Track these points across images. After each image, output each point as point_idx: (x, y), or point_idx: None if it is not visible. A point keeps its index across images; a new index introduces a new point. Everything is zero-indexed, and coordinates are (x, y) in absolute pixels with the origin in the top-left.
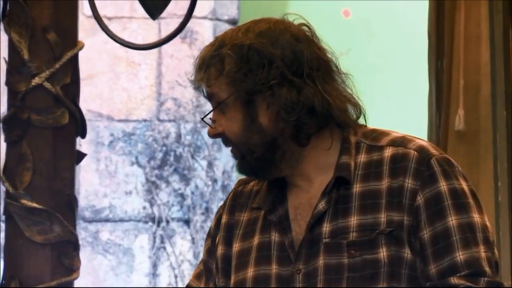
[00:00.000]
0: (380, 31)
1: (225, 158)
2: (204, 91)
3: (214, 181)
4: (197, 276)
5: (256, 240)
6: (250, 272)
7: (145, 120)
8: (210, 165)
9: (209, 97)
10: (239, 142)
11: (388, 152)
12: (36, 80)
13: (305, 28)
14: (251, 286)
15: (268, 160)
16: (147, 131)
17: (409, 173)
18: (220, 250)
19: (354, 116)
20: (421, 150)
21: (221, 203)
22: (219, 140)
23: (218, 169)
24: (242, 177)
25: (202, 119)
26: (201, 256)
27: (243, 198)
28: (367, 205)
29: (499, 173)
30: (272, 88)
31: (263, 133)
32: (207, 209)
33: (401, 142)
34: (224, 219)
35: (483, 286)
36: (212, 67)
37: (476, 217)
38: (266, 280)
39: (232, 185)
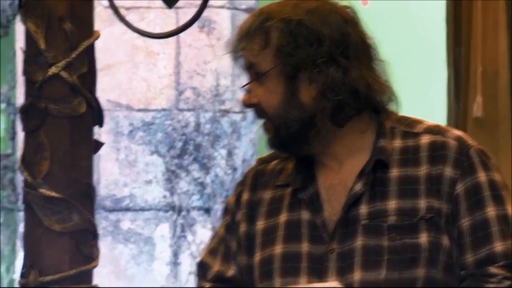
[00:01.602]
0: (398, 18)
1: (244, 146)
2: (244, 60)
3: (234, 169)
4: (212, 252)
5: (283, 217)
6: (278, 249)
7: (164, 110)
8: (229, 153)
9: (249, 66)
10: (276, 116)
11: (425, 139)
12: (52, 70)
13: (349, 10)
14: (280, 263)
15: (302, 137)
16: (166, 120)
17: (449, 161)
18: (242, 227)
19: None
20: (460, 140)
21: None
22: (238, 128)
23: (238, 157)
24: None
25: (243, 87)
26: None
27: (265, 177)
28: (406, 190)
29: None
30: (319, 65)
31: (302, 109)
32: (228, 198)
33: (438, 130)
34: (245, 196)
35: None
36: (257, 38)
37: (509, 209)
38: (296, 257)
39: None
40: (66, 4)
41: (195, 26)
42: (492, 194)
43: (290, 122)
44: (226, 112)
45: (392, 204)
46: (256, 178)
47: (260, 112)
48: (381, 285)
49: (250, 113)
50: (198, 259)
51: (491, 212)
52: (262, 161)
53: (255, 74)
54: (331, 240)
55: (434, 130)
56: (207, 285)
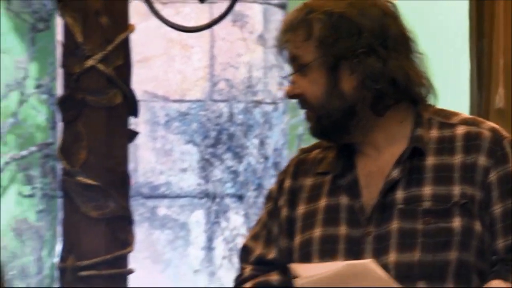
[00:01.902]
0: (425, 14)
1: (276, 136)
2: (288, 52)
3: (266, 158)
4: (254, 237)
5: (322, 202)
6: (317, 232)
7: (199, 101)
8: (261, 143)
9: (292, 58)
10: (319, 105)
11: (460, 130)
12: (89, 62)
13: (389, 4)
14: (318, 245)
15: (343, 125)
16: (201, 111)
17: (483, 151)
18: (284, 212)
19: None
20: (494, 131)
21: (273, 179)
22: (270, 118)
23: (269, 147)
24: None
25: (284, 77)
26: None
27: (307, 165)
28: (441, 177)
29: None
30: (359, 56)
31: (343, 99)
32: (259, 185)
33: (473, 122)
34: (287, 183)
35: None
36: (300, 30)
37: None
38: (334, 240)
39: (284, 162)
40: None
41: (228, 20)
42: None
43: (332, 112)
44: (258, 103)
45: (427, 190)
46: (297, 166)
47: (303, 102)
48: (415, 267)
49: (281, 104)
50: (231, 244)
51: None
52: (304, 151)
53: (298, 66)
54: (368, 223)
55: (469, 121)
56: (249, 268)
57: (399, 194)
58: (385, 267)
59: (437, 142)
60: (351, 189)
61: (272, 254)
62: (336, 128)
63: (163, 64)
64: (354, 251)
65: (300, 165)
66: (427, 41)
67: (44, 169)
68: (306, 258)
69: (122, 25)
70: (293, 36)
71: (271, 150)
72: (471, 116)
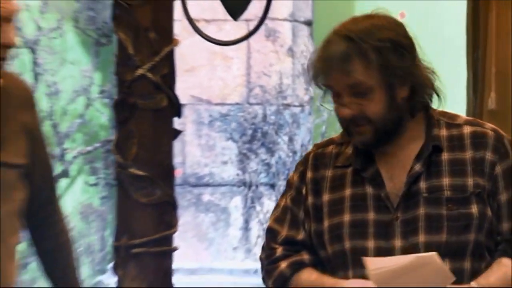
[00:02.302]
0: (429, 29)
1: (303, 134)
2: (344, 80)
3: (294, 153)
4: (278, 220)
5: (347, 192)
6: (347, 217)
7: (237, 104)
8: (290, 139)
9: (352, 85)
10: (378, 119)
11: (467, 129)
12: (140, 71)
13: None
14: (349, 228)
15: (393, 133)
16: (239, 112)
17: (489, 148)
18: (310, 199)
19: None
20: (495, 130)
21: None
22: (297, 119)
23: (297, 143)
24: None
25: (338, 101)
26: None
27: (325, 159)
28: (456, 170)
29: None
30: (408, 71)
31: (398, 110)
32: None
33: (477, 123)
34: (309, 174)
35: None
36: (357, 59)
37: None
38: (364, 224)
39: None
40: (150, 17)
41: (262, 35)
42: None
43: (388, 123)
44: (287, 105)
45: (446, 181)
46: (316, 159)
47: (362, 119)
48: (442, 247)
49: (307, 107)
50: (265, 225)
51: None
52: (319, 146)
53: (363, 90)
54: (396, 210)
55: (473, 122)
56: (279, 248)
57: (422, 185)
58: (415, 246)
59: (448, 140)
60: (374, 180)
61: (300, 236)
62: (387, 136)
63: (207, 73)
64: (384, 234)
65: (319, 159)
66: (430, 52)
67: (106, 162)
68: (337, 239)
69: (168, 39)
70: (352, 66)
71: (299, 145)
72: (471, 118)
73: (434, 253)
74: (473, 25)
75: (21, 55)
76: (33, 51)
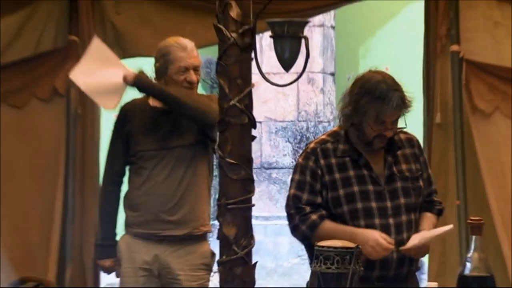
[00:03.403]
0: (403, 77)
1: None
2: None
3: None
4: (298, 189)
5: (351, 172)
6: (356, 188)
7: (291, 121)
8: None
9: (398, 116)
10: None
11: (403, 136)
12: (232, 102)
13: None
14: (359, 194)
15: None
16: (293, 126)
17: (415, 146)
18: (327, 177)
19: None
20: (415, 137)
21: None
22: (326, 129)
23: None
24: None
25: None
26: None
27: (328, 152)
28: (406, 160)
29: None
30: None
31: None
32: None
33: (406, 132)
34: (321, 161)
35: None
36: (404, 103)
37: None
38: (367, 192)
39: None
40: (238, 71)
41: (305, 81)
42: (427, 164)
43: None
44: (320, 122)
45: (404, 166)
46: (322, 151)
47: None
48: (411, 205)
49: (332, 122)
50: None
51: (429, 170)
52: (320, 143)
53: (402, 119)
54: (384, 184)
55: (403, 131)
56: (306, 207)
57: (394, 169)
58: (399, 205)
59: (398, 142)
60: (366, 166)
61: (319, 200)
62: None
63: (275, 102)
64: (379, 198)
65: (324, 152)
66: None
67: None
68: (351, 201)
69: (248, 83)
70: (408, 101)
71: None
72: (400, 129)
73: (451, 225)
74: (427, 73)
75: None
76: None
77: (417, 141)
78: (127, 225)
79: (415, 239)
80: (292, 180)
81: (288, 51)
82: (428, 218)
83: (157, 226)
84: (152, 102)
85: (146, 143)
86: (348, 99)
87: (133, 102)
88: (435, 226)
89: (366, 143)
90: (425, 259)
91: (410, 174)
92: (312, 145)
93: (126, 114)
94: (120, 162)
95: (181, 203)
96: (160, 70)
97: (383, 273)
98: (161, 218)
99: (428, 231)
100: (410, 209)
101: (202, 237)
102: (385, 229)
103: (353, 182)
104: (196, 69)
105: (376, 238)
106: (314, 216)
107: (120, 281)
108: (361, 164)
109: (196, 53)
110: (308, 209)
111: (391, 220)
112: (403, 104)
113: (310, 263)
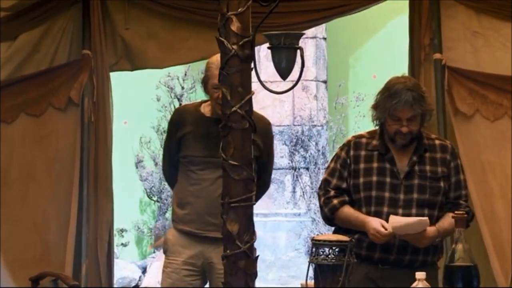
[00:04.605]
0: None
1: (322, 140)
2: (416, 111)
3: (319, 150)
4: (330, 175)
5: (375, 164)
6: (375, 178)
7: (287, 125)
8: (316, 144)
9: (411, 116)
10: (415, 133)
11: (437, 142)
12: (234, 109)
13: None
14: (376, 184)
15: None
16: (289, 130)
17: (448, 152)
18: (353, 166)
19: None
20: (451, 144)
21: (323, 161)
22: (320, 132)
23: (320, 145)
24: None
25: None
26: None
27: (361, 145)
28: (432, 162)
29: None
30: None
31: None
32: (316, 163)
33: (440, 139)
34: (351, 152)
35: (467, 204)
36: (422, 99)
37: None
38: (383, 183)
39: (327, 154)
40: (239, 80)
41: (300, 88)
42: (462, 169)
43: (416, 135)
44: (314, 125)
45: (428, 167)
46: (355, 144)
47: (410, 133)
48: (425, 202)
49: (325, 126)
50: (304, 190)
51: (462, 177)
52: (356, 137)
53: (419, 118)
54: (402, 179)
55: (439, 138)
56: (332, 191)
57: (416, 168)
58: (411, 200)
59: (428, 146)
60: (391, 160)
61: (344, 185)
62: (411, 141)
63: (272, 109)
64: (394, 190)
65: (357, 144)
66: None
67: None
68: (368, 189)
69: (248, 90)
70: (422, 102)
71: (321, 147)
72: (437, 136)
73: (426, 217)
74: (412, 75)
75: (172, 104)
76: (178, 100)
77: (453, 148)
78: (174, 220)
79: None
80: (327, 167)
81: (285, 60)
82: (448, 217)
83: (201, 226)
84: (203, 109)
85: (196, 150)
86: (375, 99)
87: (186, 108)
88: (453, 226)
89: (390, 139)
90: None
91: (431, 174)
92: (350, 138)
93: (179, 119)
94: (172, 158)
95: None
96: (203, 83)
97: (383, 256)
98: (205, 219)
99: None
100: (423, 204)
101: None
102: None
103: (374, 173)
104: None
105: (375, 227)
106: (335, 201)
107: (163, 272)
108: (386, 158)
109: None
110: (332, 193)
111: (400, 211)
112: (413, 102)
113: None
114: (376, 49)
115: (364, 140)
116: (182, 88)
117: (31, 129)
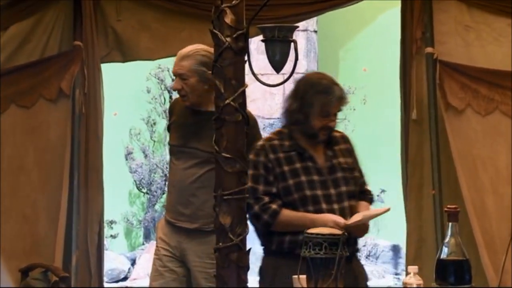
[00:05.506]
0: (383, 78)
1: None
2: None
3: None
4: (255, 182)
5: (298, 165)
6: (303, 178)
7: (278, 118)
8: None
9: (340, 108)
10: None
11: (338, 134)
12: (227, 101)
13: None
14: (306, 183)
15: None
16: (279, 123)
17: (348, 142)
18: (277, 169)
19: None
20: (344, 133)
21: None
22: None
23: None
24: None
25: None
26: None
27: (276, 147)
28: (344, 154)
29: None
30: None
31: None
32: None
33: (339, 131)
34: (271, 155)
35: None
36: (345, 96)
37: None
38: (313, 181)
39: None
40: (232, 72)
41: (290, 80)
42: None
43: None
44: None
45: (341, 159)
46: (271, 147)
47: (333, 127)
48: (350, 193)
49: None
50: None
51: (359, 165)
52: (267, 140)
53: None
54: (327, 174)
55: (339, 131)
56: (265, 197)
57: (335, 161)
58: (341, 192)
59: (334, 138)
60: (311, 158)
61: (274, 190)
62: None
63: (262, 101)
64: (324, 187)
65: (272, 147)
66: (383, 88)
67: None
68: (300, 190)
69: (241, 83)
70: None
71: None
72: (336, 129)
73: (389, 206)
74: (403, 74)
75: (162, 96)
76: (169, 92)
77: (348, 138)
78: (165, 208)
79: (358, 216)
80: (248, 175)
81: (279, 54)
82: (364, 205)
83: (175, 216)
84: None
85: (174, 139)
86: (293, 98)
87: (179, 98)
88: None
89: (311, 136)
90: (402, 245)
91: (347, 165)
92: (260, 142)
93: (170, 109)
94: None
95: (193, 199)
96: None
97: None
98: (177, 209)
99: (368, 211)
100: (351, 196)
101: (213, 233)
102: (331, 213)
103: (301, 173)
104: (181, 77)
105: (333, 219)
106: (274, 206)
107: (153, 258)
108: (306, 157)
109: (182, 61)
110: (266, 199)
111: (335, 206)
112: (343, 96)
113: (264, 249)
114: (367, 43)
115: (276, 142)
116: (173, 80)
117: (21, 120)
